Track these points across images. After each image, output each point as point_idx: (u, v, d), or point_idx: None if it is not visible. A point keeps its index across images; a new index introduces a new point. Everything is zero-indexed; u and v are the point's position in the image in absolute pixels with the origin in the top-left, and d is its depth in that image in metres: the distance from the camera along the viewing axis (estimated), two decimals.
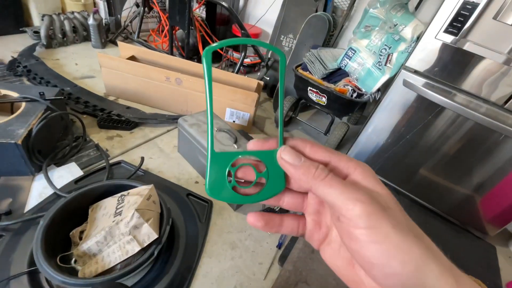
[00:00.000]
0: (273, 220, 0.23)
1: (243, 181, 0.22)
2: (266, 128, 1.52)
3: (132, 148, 1.16)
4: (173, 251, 0.82)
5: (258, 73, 1.94)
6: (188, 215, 0.93)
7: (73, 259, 0.67)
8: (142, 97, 1.41)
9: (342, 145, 1.51)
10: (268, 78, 1.81)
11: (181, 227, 0.89)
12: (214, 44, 0.20)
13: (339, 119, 1.49)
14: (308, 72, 1.35)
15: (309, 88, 1.31)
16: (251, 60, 1.96)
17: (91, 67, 1.66)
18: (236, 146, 1.00)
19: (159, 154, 1.17)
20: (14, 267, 0.68)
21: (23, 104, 0.95)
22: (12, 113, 0.93)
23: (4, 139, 0.82)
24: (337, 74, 1.36)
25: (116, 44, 1.98)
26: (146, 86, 1.36)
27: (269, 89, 1.84)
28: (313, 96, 1.32)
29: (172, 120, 1.34)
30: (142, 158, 1.07)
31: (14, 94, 0.98)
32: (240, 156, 0.22)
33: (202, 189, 1.05)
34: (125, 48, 1.48)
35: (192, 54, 1.95)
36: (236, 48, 1.99)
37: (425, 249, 0.16)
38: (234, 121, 1.39)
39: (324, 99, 1.29)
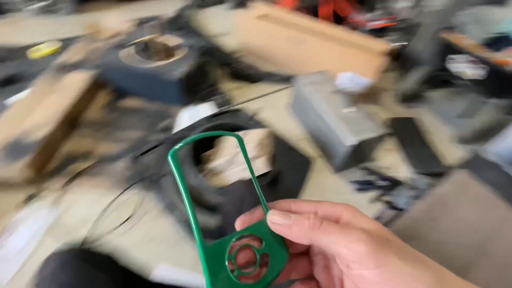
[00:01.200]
0: None
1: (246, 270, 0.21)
2: (381, 101, 1.38)
3: (252, 99, 1.31)
4: (274, 193, 0.92)
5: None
6: (291, 167, 1.00)
7: (202, 173, 0.87)
8: (267, 54, 1.52)
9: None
10: (405, 43, 1.53)
11: (285, 174, 0.97)
12: (177, 146, 0.20)
13: (483, 104, 1.18)
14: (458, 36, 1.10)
15: (457, 56, 1.07)
16: (384, 23, 1.68)
17: (227, 26, 1.88)
18: (352, 109, 0.97)
19: (273, 108, 1.27)
20: (166, 167, 0.93)
21: (182, 50, 1.21)
22: (167, 57, 1.18)
23: (168, 76, 1.08)
24: (499, 42, 1.05)
25: (247, 7, 2.14)
26: (272, 45, 1.46)
27: (399, 57, 1.58)
28: (462, 67, 1.07)
29: (290, 78, 1.41)
30: (258, 109, 1.20)
31: (178, 41, 1.25)
32: (234, 240, 0.20)
33: (305, 147, 1.10)
34: (256, 8, 1.59)
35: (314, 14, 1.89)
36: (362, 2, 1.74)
37: (434, 273, 0.17)
38: (350, 87, 1.33)
39: (479, 72, 1.02)
